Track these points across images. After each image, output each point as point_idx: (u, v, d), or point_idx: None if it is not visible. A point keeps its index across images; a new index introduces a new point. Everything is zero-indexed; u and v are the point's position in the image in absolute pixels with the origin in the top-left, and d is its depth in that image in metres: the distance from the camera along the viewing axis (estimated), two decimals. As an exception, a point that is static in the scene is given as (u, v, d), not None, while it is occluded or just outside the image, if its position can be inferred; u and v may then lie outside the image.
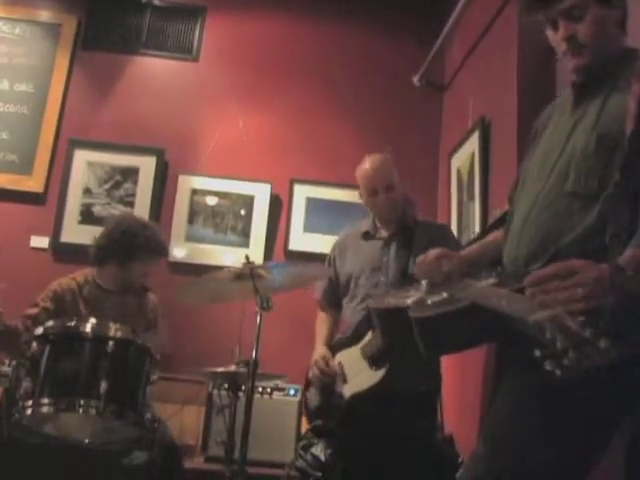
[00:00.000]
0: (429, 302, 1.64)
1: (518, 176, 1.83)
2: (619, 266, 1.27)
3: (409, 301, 1.71)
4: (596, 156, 1.52)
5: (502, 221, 1.86)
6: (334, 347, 2.90)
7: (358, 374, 2.68)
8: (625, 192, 1.39)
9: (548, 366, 1.14)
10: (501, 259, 1.72)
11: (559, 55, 1.68)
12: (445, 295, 1.63)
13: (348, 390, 2.70)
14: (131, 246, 2.97)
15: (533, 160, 1.75)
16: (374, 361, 2.62)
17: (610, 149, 1.49)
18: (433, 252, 1.87)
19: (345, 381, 2.74)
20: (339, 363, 2.80)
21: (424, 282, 1.81)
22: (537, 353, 1.16)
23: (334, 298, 3.05)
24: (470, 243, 1.82)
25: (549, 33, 1.69)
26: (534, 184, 1.66)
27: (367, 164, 2.91)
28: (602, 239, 1.39)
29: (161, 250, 3.10)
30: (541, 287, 1.28)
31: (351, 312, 2.90)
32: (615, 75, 1.60)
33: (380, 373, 2.59)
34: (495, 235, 1.92)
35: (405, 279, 2.74)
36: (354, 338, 2.78)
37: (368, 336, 2.69)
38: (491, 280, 1.59)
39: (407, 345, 1.59)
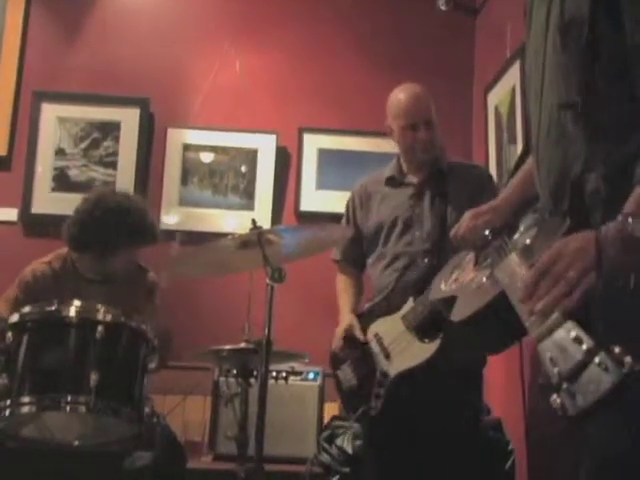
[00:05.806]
0: (474, 286, 1.65)
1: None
2: (620, 216, 1.19)
3: (454, 286, 1.78)
4: (566, 52, 1.39)
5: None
6: (366, 316, 2.90)
7: (405, 348, 2.67)
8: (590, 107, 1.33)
9: (552, 403, 1.13)
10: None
11: None
12: (485, 279, 1.62)
13: (395, 367, 2.67)
14: (112, 234, 2.91)
15: (527, 63, 1.61)
16: (424, 332, 2.61)
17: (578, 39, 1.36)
18: (465, 217, 1.92)
19: (388, 357, 2.71)
20: (376, 335, 2.79)
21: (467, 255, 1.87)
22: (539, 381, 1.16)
23: (356, 256, 3.09)
24: (505, 184, 1.83)
25: None
26: (534, 100, 1.56)
27: (403, 94, 2.92)
28: (620, 158, 1.32)
29: (149, 238, 3.04)
30: (534, 295, 1.23)
31: (379, 274, 2.92)
32: None
33: (433, 345, 2.57)
34: (529, 167, 1.82)
35: (444, 232, 2.72)
36: (390, 306, 2.79)
37: (409, 303, 2.70)
38: (532, 232, 1.56)
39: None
